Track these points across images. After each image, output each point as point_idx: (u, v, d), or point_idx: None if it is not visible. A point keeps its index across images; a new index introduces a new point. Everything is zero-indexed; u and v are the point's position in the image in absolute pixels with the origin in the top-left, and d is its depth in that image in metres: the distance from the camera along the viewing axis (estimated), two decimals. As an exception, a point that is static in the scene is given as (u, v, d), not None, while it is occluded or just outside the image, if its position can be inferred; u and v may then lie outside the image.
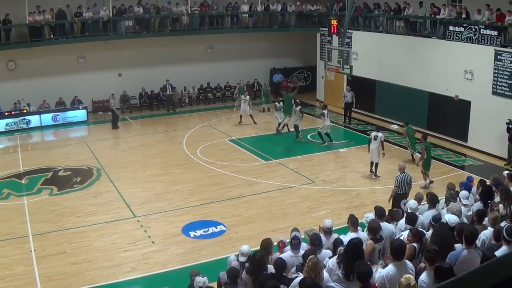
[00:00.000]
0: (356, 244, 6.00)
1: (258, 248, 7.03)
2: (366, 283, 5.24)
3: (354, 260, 5.62)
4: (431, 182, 13.76)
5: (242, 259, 6.72)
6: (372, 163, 14.78)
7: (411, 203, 8.44)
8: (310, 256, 5.73)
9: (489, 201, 8.14)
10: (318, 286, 5.39)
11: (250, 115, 20.83)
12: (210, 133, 20.10)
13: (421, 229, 7.04)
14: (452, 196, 9.36)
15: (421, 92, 19.17)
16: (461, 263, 5.44)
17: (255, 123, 20.79)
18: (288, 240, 7.31)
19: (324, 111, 17.89)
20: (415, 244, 6.42)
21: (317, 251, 6.52)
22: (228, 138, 19.16)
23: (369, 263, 5.73)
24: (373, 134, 14.91)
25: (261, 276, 6.05)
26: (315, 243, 6.74)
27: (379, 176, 14.66)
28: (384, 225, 7.56)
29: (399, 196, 10.80)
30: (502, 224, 6.50)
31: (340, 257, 5.99)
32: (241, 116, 20.98)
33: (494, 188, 8.68)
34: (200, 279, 6.10)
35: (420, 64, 19.19)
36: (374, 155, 14.56)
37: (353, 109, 21.43)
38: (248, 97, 21.02)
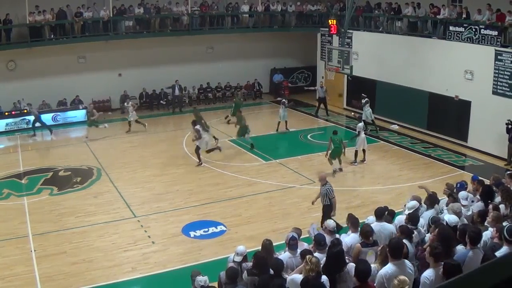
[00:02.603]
0: (336, 254, 5.81)
1: (258, 248, 7.01)
2: (363, 281, 5.24)
3: (335, 269, 5.58)
4: (340, 170, 15.29)
5: (237, 259, 6.71)
6: (364, 151, 16.12)
7: (411, 204, 8.39)
8: (308, 256, 5.65)
9: (490, 201, 8.12)
10: (323, 285, 5.36)
11: (132, 121, 20.10)
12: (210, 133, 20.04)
13: (410, 226, 7.02)
14: (452, 196, 9.33)
15: (421, 92, 19.16)
16: (467, 264, 5.43)
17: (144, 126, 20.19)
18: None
19: (197, 126, 16.41)
20: (405, 241, 6.28)
21: (322, 251, 6.46)
22: (228, 138, 19.13)
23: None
24: (361, 125, 16.16)
25: (262, 276, 6.03)
26: (320, 243, 6.65)
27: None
28: (384, 225, 7.53)
29: (328, 208, 10.33)
30: (504, 224, 6.48)
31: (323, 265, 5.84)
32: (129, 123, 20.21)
33: (494, 188, 8.66)
34: (201, 278, 6.16)
35: (420, 64, 19.18)
36: (365, 143, 16.08)
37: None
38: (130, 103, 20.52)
